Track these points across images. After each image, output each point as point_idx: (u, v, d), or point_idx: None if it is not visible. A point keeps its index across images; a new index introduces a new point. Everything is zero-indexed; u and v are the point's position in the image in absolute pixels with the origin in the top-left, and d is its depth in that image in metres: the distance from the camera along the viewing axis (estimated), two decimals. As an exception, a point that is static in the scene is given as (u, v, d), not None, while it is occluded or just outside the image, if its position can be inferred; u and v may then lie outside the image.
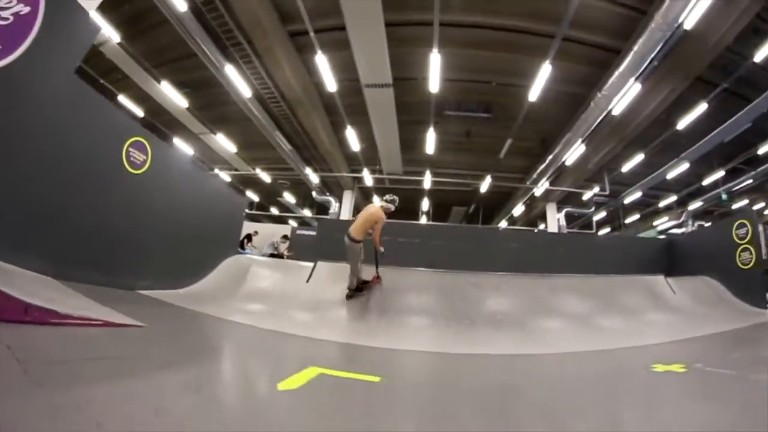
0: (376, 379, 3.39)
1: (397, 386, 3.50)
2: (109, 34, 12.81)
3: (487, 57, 15.25)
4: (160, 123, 19.64)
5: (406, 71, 15.31)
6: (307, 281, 7.82)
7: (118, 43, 13.77)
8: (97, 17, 10.16)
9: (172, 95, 16.60)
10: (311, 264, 8.40)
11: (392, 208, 7.79)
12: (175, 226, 7.19)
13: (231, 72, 14.32)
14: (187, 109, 18.07)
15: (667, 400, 3.27)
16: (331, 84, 14.62)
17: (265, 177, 25.18)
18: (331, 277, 8.00)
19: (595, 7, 12.69)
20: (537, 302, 8.26)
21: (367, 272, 7.91)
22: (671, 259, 12.45)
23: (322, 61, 13.52)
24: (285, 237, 14.69)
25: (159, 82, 15.96)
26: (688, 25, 11.71)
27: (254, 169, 24.62)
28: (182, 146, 21.65)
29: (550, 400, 3.24)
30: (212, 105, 18.35)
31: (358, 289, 7.68)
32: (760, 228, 20.86)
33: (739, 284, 9.51)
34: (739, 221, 9.99)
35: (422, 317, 7.34)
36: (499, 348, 5.89)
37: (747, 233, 9.65)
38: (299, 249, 13.94)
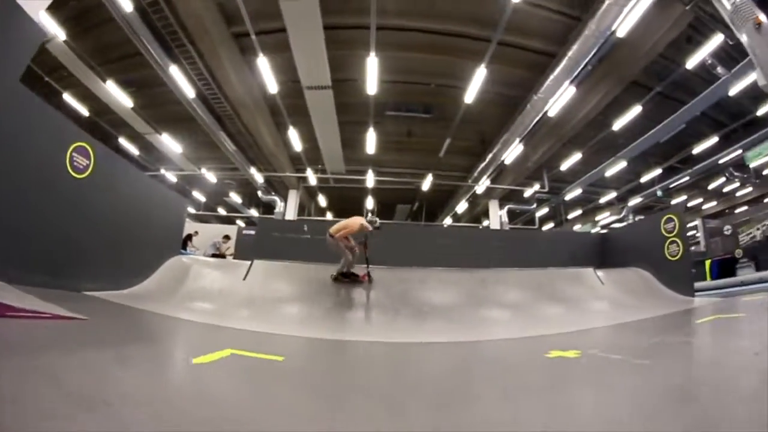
0: (280, 358, 4.07)
1: (294, 364, 4.18)
2: (55, 31, 12.85)
3: (426, 60, 16.03)
4: (105, 122, 19.82)
5: (346, 73, 16.01)
6: (244, 279, 8.38)
7: (64, 41, 13.91)
8: (44, 16, 10.47)
9: (117, 94, 16.78)
10: (249, 262, 8.99)
11: (369, 227, 8.67)
12: (119, 228, 7.43)
13: (175, 72, 14.67)
14: (132, 108, 18.25)
15: (535, 383, 3.61)
16: (272, 86, 15.17)
17: (211, 177, 25.46)
18: (267, 275, 8.64)
19: (531, 13, 13.53)
20: (470, 295, 8.93)
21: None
22: (605, 251, 13.41)
23: (263, 64, 14.03)
24: (226, 237, 15.08)
25: (104, 81, 16.16)
26: (621, 33, 12.65)
27: (200, 169, 24.84)
28: (128, 146, 21.88)
29: (415, 382, 3.81)
30: (157, 104, 18.64)
31: (345, 275, 8.63)
32: (699, 222, 22.54)
33: (669, 274, 10.50)
34: (667, 216, 10.97)
35: (353, 310, 8.00)
36: (421, 337, 6.47)
37: (674, 227, 10.66)
38: (245, 249, 14.28)
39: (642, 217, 25.49)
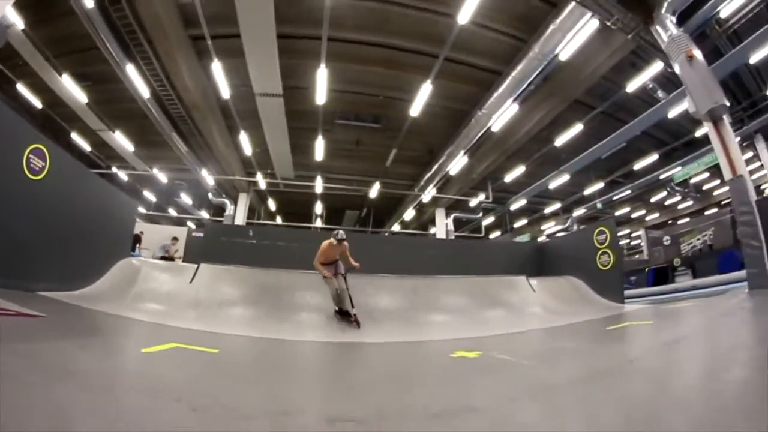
0: (215, 350, 4.83)
1: (226, 355, 4.93)
2: (14, 19, 12.76)
3: (377, 72, 16.76)
4: (57, 115, 19.70)
5: (298, 81, 16.65)
6: (191, 282, 8.85)
7: (23, 30, 13.80)
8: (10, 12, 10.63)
9: (72, 88, 16.79)
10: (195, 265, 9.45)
11: (334, 241, 8.59)
12: (72, 230, 7.63)
13: (131, 71, 14.96)
14: (87, 104, 18.26)
15: (418, 376, 4.56)
16: (225, 90, 15.74)
17: (162, 177, 25.63)
18: (212, 278, 9.11)
19: (479, 33, 14.35)
20: (408, 299, 9.60)
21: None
22: (542, 260, 14.31)
23: (218, 68, 14.54)
24: (175, 239, 15.50)
25: (60, 73, 16.13)
26: (564, 56, 13.61)
27: (151, 168, 24.94)
28: (80, 141, 21.89)
29: (328, 372, 4.85)
30: (111, 101, 18.72)
31: (340, 312, 8.46)
32: (642, 232, 24.00)
33: (600, 283, 11.44)
34: (599, 228, 11.98)
35: (294, 313, 8.56)
36: (353, 337, 7.22)
37: (606, 239, 11.62)
38: (195, 251, 14.20)
39: (585, 227, 27.15)
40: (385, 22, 14.70)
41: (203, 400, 2.74)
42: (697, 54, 11.48)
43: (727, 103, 11.04)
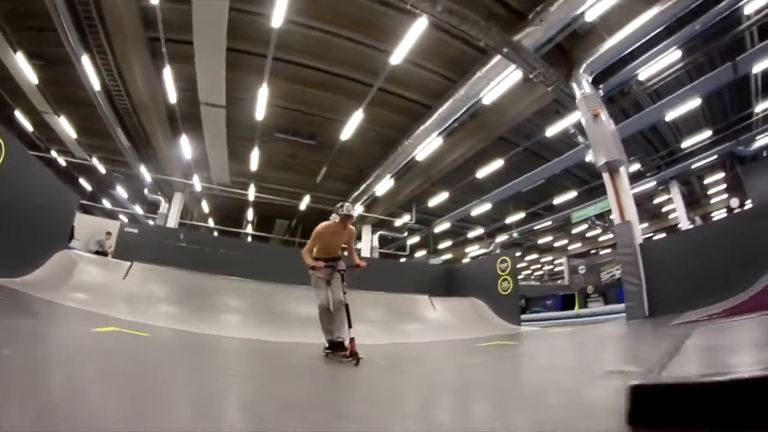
0: (146, 334, 6.17)
1: (155, 339, 6.21)
2: None
3: (316, 94, 18.27)
4: (2, 89, 19.68)
5: (242, 93, 17.88)
6: (124, 278, 9.90)
7: None
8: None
9: (24, 67, 16.76)
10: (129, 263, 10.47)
11: (337, 218, 6.37)
12: (16, 218, 7.69)
13: (85, 61, 15.51)
14: (37, 85, 18.28)
15: (289, 362, 5.97)
16: (173, 94, 16.72)
17: (101, 167, 26.03)
18: (144, 276, 10.21)
19: (412, 71, 15.92)
20: (311, 308, 10.53)
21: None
22: (450, 282, 15.85)
23: (168, 73, 15.60)
24: (108, 233, 15.96)
25: (15, 51, 16.10)
26: (487, 101, 15.27)
27: (91, 157, 25.20)
28: (22, 121, 21.89)
29: (231, 355, 6.35)
30: (61, 83, 18.86)
31: (331, 346, 5.98)
32: (565, 260, 26.32)
33: (500, 305, 13.06)
34: (502, 257, 13.65)
35: (216, 312, 9.76)
36: (263, 336, 8.25)
37: (507, 267, 13.29)
38: (127, 247, 14.43)
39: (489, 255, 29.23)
40: (328, 51, 16.08)
41: (141, 359, 4.46)
42: (603, 113, 13.40)
43: (623, 158, 12.89)
